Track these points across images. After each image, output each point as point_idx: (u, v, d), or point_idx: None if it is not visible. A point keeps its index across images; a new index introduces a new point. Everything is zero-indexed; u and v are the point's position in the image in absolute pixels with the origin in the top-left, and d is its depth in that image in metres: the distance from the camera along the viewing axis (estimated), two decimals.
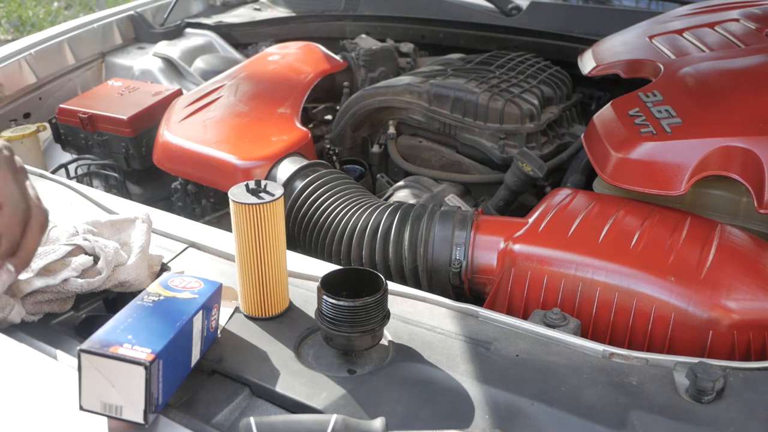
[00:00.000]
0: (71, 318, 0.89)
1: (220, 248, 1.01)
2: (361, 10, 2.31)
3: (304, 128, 1.49)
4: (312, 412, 0.71)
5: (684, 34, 1.46)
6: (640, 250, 0.98)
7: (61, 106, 1.71)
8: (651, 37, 1.49)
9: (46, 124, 1.77)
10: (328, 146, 1.63)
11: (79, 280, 0.86)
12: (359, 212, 1.20)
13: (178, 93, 1.77)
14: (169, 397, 0.72)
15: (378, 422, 0.63)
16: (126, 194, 1.70)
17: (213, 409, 0.72)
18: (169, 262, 0.99)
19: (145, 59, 2.14)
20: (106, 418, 0.69)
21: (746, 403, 0.71)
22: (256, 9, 2.52)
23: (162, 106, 1.66)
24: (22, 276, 0.83)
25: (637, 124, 1.14)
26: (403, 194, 1.44)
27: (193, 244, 1.03)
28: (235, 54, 2.23)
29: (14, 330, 0.84)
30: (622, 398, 0.72)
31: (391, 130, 1.62)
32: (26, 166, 1.25)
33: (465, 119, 1.50)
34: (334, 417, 0.61)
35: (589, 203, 1.11)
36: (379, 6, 2.29)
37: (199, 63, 2.14)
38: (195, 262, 1.00)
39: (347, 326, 0.76)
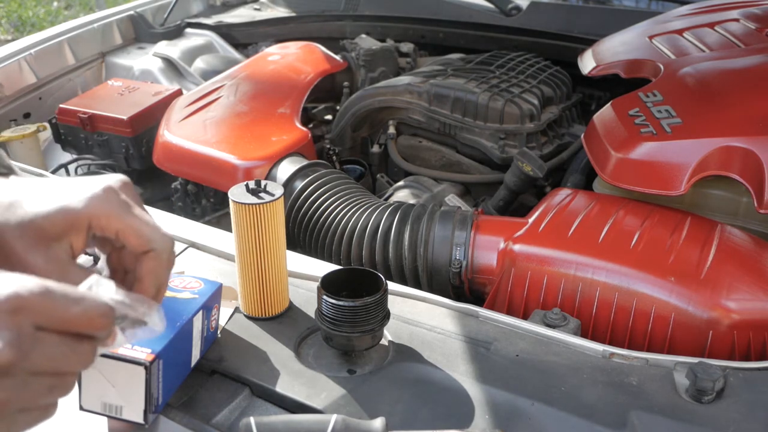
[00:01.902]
0: None
1: (220, 248, 1.01)
2: (361, 10, 2.31)
3: (304, 128, 1.49)
4: (312, 412, 0.71)
5: (684, 34, 1.46)
6: (640, 250, 0.98)
7: (61, 106, 1.71)
8: (651, 37, 1.49)
9: (46, 124, 1.77)
10: (328, 146, 1.63)
11: None
12: (359, 212, 1.20)
13: (178, 93, 1.77)
14: (169, 397, 0.72)
15: (378, 422, 0.63)
16: None
17: (213, 409, 0.72)
18: None
19: (145, 59, 2.14)
20: (106, 418, 0.69)
21: (746, 403, 0.71)
22: (256, 9, 2.52)
23: (162, 106, 1.66)
24: None
25: (637, 124, 1.14)
26: (403, 194, 1.44)
27: (193, 244, 1.03)
28: (235, 54, 2.23)
29: None
30: (622, 398, 0.72)
31: (391, 130, 1.62)
32: (26, 166, 1.26)
33: (465, 119, 1.50)
34: (334, 417, 0.61)
35: (589, 203, 1.11)
36: (379, 6, 2.29)
37: (199, 63, 2.14)
38: (195, 262, 1.00)
39: (347, 326, 0.76)
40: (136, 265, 0.60)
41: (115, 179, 0.61)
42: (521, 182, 1.33)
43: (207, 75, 2.04)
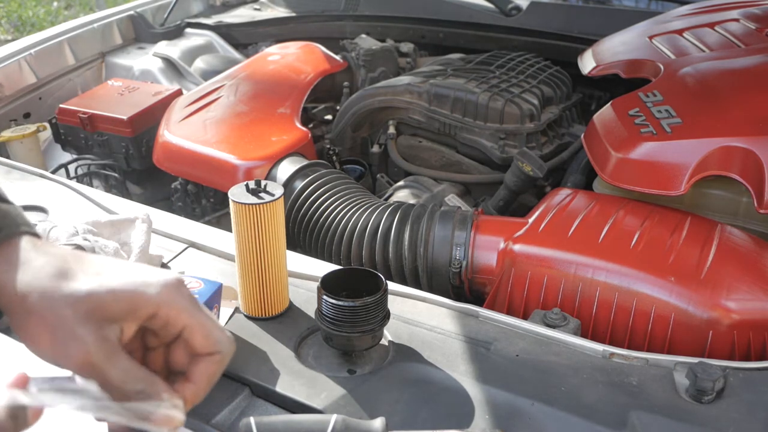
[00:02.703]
0: None
1: (220, 248, 1.01)
2: (361, 10, 2.31)
3: (304, 128, 1.49)
4: (312, 412, 0.71)
5: (684, 34, 1.46)
6: (640, 250, 0.98)
7: (61, 106, 1.71)
8: (651, 37, 1.49)
9: (46, 124, 1.77)
10: (328, 146, 1.63)
11: None
12: (359, 212, 1.20)
13: (178, 93, 1.77)
14: None
15: (378, 422, 0.62)
16: (126, 194, 1.70)
17: (213, 409, 0.72)
18: (169, 262, 0.99)
19: (145, 59, 2.14)
20: None
21: (746, 403, 0.71)
22: (256, 9, 2.52)
23: (162, 106, 1.66)
24: None
25: (637, 124, 1.14)
26: (403, 194, 1.44)
27: (193, 244, 1.03)
28: (235, 54, 2.23)
29: None
30: (622, 398, 0.72)
31: (391, 130, 1.62)
32: (26, 166, 1.26)
33: (465, 119, 1.50)
34: (334, 417, 0.61)
35: (589, 203, 1.11)
36: (379, 6, 2.29)
37: (199, 63, 2.14)
38: (195, 262, 1.00)
39: (347, 326, 0.76)
40: (189, 365, 0.57)
41: (176, 274, 0.58)
42: (521, 182, 1.33)
43: (207, 75, 2.04)
